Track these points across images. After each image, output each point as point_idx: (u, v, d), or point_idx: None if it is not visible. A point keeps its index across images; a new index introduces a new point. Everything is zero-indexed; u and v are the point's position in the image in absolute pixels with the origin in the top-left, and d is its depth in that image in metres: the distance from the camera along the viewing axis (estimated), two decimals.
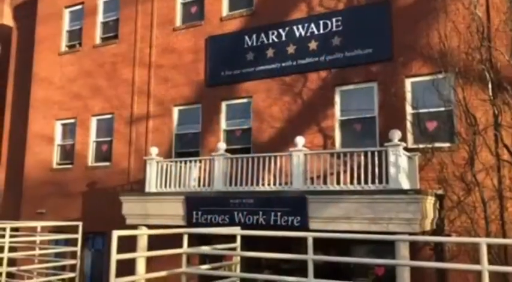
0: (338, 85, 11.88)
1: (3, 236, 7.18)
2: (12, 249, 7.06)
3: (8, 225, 7.01)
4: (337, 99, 11.84)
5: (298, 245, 10.35)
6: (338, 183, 9.70)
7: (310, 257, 4.31)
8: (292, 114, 12.29)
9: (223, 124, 13.43)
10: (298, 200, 9.53)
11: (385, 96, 11.14)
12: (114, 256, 4.14)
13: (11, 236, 7.01)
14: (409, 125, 10.80)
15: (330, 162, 10.05)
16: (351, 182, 9.58)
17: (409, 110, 10.90)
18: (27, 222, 10.39)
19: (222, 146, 11.47)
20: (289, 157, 10.28)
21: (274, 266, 10.85)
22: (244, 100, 13.24)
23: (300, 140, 10.11)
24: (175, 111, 14.43)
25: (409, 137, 10.73)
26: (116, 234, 4.19)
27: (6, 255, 6.67)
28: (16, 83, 19.28)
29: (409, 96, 10.98)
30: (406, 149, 9.61)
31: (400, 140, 9.17)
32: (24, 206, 16.58)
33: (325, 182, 9.82)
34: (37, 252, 8.22)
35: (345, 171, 9.81)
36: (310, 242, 4.29)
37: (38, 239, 8.15)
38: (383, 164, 9.20)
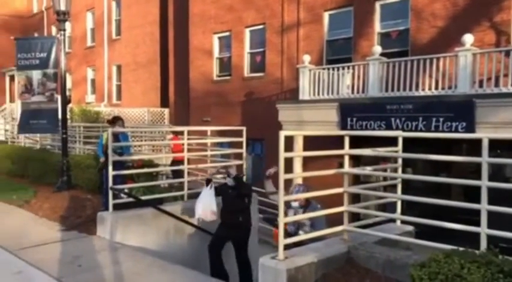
0: None
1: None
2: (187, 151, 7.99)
3: (186, 129, 7.96)
4: None
5: (460, 152, 9.76)
6: None
7: (485, 159, 3.99)
8: (457, 10, 10.94)
9: (377, 26, 12.64)
10: (463, 104, 8.79)
11: None
12: (282, 154, 4.37)
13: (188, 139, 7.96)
14: None
15: (503, 62, 8.89)
16: None
17: None
18: (198, 127, 11.65)
19: (377, 49, 10.92)
20: (454, 58, 9.37)
21: (433, 175, 10.51)
22: None
23: (467, 38, 9.06)
24: (326, 16, 13.99)
25: None
26: (282, 134, 4.39)
27: (186, 154, 7.65)
28: (176, 0, 20.54)
29: None
30: None
31: None
32: (192, 114, 18.44)
33: (496, 85, 8.81)
34: (208, 152, 9.19)
35: None
36: (485, 143, 3.95)
37: (209, 141, 9.11)
38: None
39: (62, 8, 9.08)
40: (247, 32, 16.48)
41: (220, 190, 6.69)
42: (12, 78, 26.06)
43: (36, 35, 29.10)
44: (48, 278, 4.86)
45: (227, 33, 17.18)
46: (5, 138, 18.69)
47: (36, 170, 10.49)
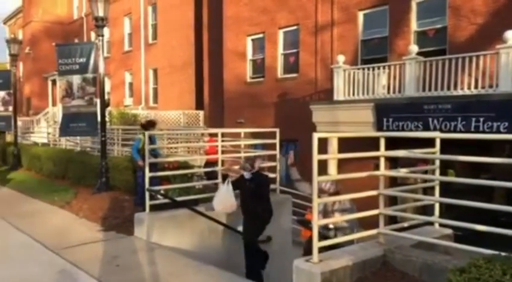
0: None
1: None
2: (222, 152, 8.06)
3: (220, 131, 8.05)
4: None
5: (502, 153, 9.40)
6: None
7: None
8: (499, 6, 10.56)
9: (413, 25, 12.37)
10: (506, 103, 8.48)
11: None
12: (316, 156, 4.34)
13: (222, 141, 8.05)
14: None
15: None
16: None
17: None
18: (232, 129, 11.75)
19: (414, 48, 10.70)
20: (495, 56, 9.05)
21: (475, 176, 10.17)
22: None
23: (510, 35, 8.73)
24: (360, 15, 13.81)
25: None
26: (316, 136, 4.36)
27: (220, 156, 7.72)
28: (210, 4, 20.77)
29: None
30: None
31: None
32: (226, 116, 18.59)
33: None
34: (242, 154, 9.23)
35: None
36: None
37: (242, 143, 9.16)
38: None
39: (100, 14, 9.33)
40: (280, 33, 16.47)
41: (237, 183, 6.77)
42: (54, 82, 27.02)
43: (76, 40, 30.12)
44: (88, 277, 5.02)
45: (260, 35, 17.23)
46: (47, 141, 19.40)
47: (77, 171, 10.82)
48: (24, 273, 5.14)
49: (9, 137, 20.36)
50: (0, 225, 7.41)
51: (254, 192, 6.54)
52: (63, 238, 6.53)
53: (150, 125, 8.07)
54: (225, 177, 6.97)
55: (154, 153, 7.57)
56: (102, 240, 6.52)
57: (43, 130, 22.84)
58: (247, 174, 6.63)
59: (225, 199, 6.73)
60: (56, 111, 22.80)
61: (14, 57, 15.14)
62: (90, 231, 6.94)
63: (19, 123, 19.72)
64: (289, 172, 6.15)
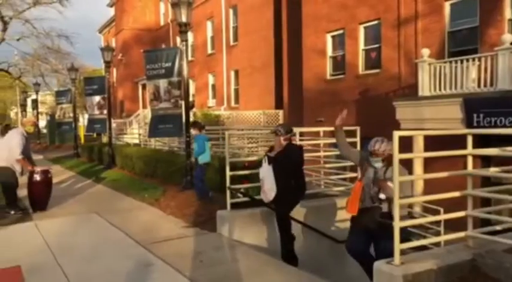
0: None
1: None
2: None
3: (298, 130, 8.07)
4: None
5: None
6: None
7: None
8: None
9: (507, 12, 11.46)
10: None
11: None
12: (397, 156, 4.21)
13: (300, 140, 8.07)
14: None
15: None
16: None
17: None
18: (311, 128, 11.71)
19: (508, 38, 9.93)
20: None
21: None
22: None
23: None
24: (447, 5, 13.07)
25: None
26: (396, 134, 4.22)
27: None
28: (289, 3, 20.83)
29: None
30: None
31: None
32: (306, 115, 18.53)
33: None
34: (321, 153, 9.18)
35: None
36: None
37: (321, 142, 9.10)
38: None
39: (184, 20, 9.75)
40: (361, 28, 16.08)
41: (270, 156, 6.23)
42: (144, 86, 28.76)
43: (163, 46, 31.72)
44: (174, 271, 5.28)
45: (340, 31, 16.95)
46: (138, 141, 20.67)
47: (164, 170, 11.43)
48: (117, 267, 5.53)
49: (104, 138, 22.01)
50: (95, 221, 8.05)
51: (281, 161, 6.02)
52: (151, 234, 6.94)
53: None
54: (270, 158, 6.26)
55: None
56: (187, 236, 6.82)
57: (135, 131, 24.39)
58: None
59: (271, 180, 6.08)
60: (146, 114, 24.22)
61: (108, 64, 16.30)
62: (177, 228, 7.31)
63: (113, 125, 21.24)
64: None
